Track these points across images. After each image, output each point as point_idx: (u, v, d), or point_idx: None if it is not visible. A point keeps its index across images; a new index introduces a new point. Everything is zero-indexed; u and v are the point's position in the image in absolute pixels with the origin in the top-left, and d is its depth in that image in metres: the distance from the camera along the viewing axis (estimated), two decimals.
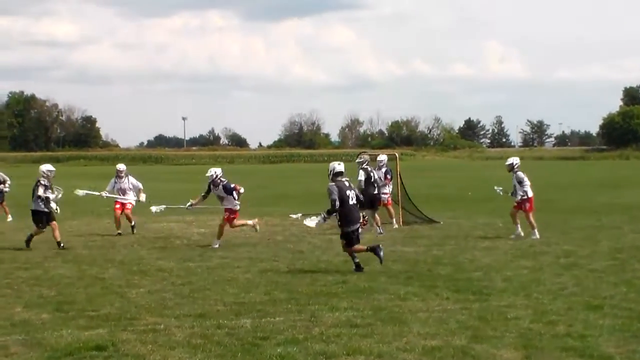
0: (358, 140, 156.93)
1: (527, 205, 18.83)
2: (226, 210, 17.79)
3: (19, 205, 28.94)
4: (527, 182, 18.91)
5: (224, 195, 17.76)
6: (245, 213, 26.13)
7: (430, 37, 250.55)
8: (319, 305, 10.71)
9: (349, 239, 13.96)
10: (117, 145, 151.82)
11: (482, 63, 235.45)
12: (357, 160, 21.26)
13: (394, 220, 21.82)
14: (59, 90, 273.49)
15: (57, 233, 17.52)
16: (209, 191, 17.95)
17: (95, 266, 14.86)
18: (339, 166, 14.26)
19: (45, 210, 17.53)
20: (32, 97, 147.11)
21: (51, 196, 17.57)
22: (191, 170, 74.82)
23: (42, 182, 17.60)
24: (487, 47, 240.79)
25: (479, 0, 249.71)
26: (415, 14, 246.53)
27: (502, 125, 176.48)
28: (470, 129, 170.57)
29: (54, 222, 17.62)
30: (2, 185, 25.49)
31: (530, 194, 18.91)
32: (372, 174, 20.81)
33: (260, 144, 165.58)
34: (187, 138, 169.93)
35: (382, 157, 22.47)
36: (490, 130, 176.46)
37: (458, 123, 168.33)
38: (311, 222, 14.52)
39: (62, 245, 17.31)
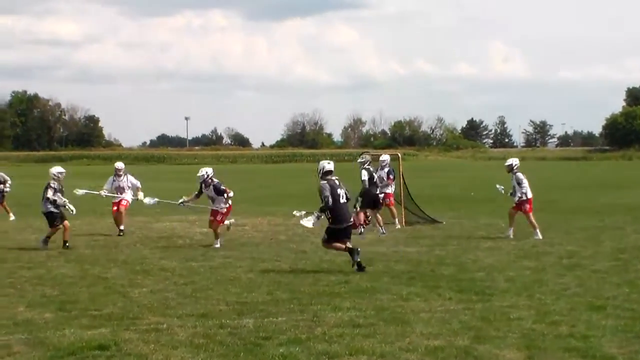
0: (361, 140, 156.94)
1: (527, 206, 18.82)
2: (213, 211, 17.83)
3: (21, 204, 28.97)
4: (525, 183, 18.90)
5: (214, 196, 17.81)
6: (249, 213, 26.19)
7: (434, 37, 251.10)
8: (322, 305, 10.71)
9: (333, 236, 14.06)
10: (120, 145, 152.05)
11: (485, 63, 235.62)
12: (358, 161, 21.27)
13: (397, 220, 21.82)
14: (62, 90, 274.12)
15: (67, 233, 17.56)
16: (201, 191, 18.00)
17: (98, 266, 14.87)
18: (328, 165, 14.32)
19: (57, 211, 17.56)
20: (35, 97, 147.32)
21: (59, 201, 17.60)
22: (194, 169, 74.58)
23: (52, 185, 17.63)
24: (490, 47, 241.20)
25: (483, 0, 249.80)
26: (418, 14, 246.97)
27: (505, 126, 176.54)
28: (473, 129, 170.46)
29: (66, 222, 17.65)
30: (2, 186, 25.42)
31: (530, 195, 18.90)
32: (374, 174, 20.84)
33: (262, 143, 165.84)
34: (189, 138, 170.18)
35: (385, 157, 22.46)
36: (493, 131, 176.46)
37: (461, 123, 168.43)
38: (308, 222, 14.56)
39: (67, 245, 17.29)
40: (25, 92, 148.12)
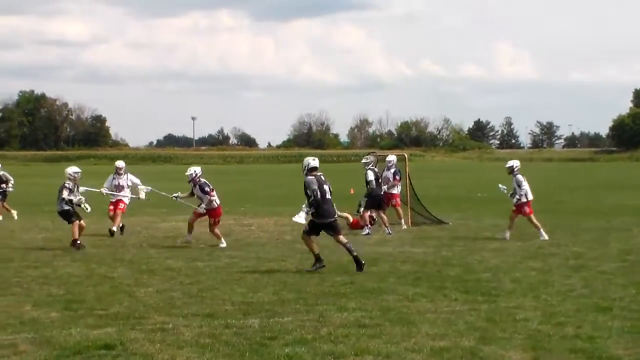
0: (367, 140, 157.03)
1: (526, 209, 18.80)
2: (207, 212, 17.83)
3: (28, 204, 29.08)
4: (525, 185, 18.87)
5: (201, 195, 17.83)
6: (255, 213, 26.24)
7: (440, 38, 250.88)
8: (327, 306, 10.71)
9: (314, 229, 14.19)
10: (126, 145, 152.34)
11: (493, 64, 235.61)
12: (363, 161, 21.26)
13: (403, 221, 21.81)
14: (69, 90, 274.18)
15: (80, 231, 17.56)
16: (192, 190, 18.06)
17: (104, 265, 14.89)
18: (313, 162, 14.42)
19: (71, 209, 17.58)
20: (43, 96, 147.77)
21: (74, 199, 17.64)
22: None
23: (67, 185, 17.64)
24: (497, 48, 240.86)
25: (490, 1, 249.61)
26: (426, 15, 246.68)
27: (512, 127, 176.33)
28: (480, 130, 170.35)
29: (82, 222, 17.66)
30: (5, 185, 25.38)
31: (530, 197, 18.87)
32: (379, 175, 20.89)
33: (269, 143, 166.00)
34: (196, 138, 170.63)
35: (392, 158, 22.48)
36: (500, 132, 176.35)
37: (467, 124, 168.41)
38: (299, 218, 14.59)
39: (78, 243, 17.21)
40: (32, 91, 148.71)
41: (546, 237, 18.32)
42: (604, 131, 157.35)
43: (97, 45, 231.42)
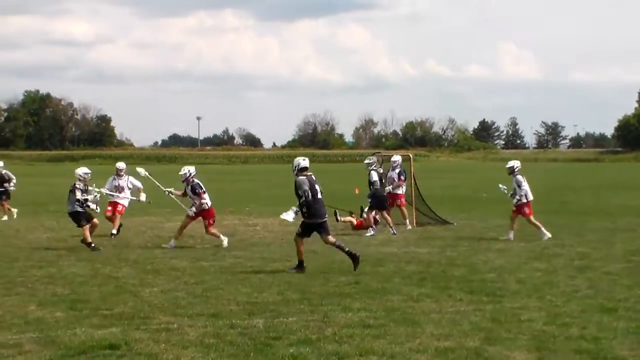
0: (372, 140, 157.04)
1: (526, 210, 18.78)
2: (199, 214, 17.83)
3: (33, 203, 29.13)
4: (525, 185, 18.85)
5: (192, 196, 17.80)
6: (260, 213, 26.24)
7: (445, 38, 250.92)
8: (332, 306, 10.70)
9: (306, 230, 14.20)
10: (131, 145, 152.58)
11: (497, 64, 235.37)
12: (365, 162, 21.24)
13: (408, 221, 21.80)
14: (75, 89, 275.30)
15: (93, 229, 17.60)
16: (186, 189, 18.05)
17: (109, 265, 14.90)
18: (303, 162, 14.46)
19: (82, 210, 17.59)
20: (48, 96, 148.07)
21: (90, 197, 17.69)
22: (205, 169, 74.82)
23: (78, 186, 17.65)
24: (502, 49, 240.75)
25: (495, 1, 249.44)
26: (430, 15, 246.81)
27: (517, 127, 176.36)
28: (485, 130, 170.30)
29: (95, 220, 17.69)
30: (7, 184, 25.40)
31: (530, 197, 18.85)
32: (383, 175, 20.90)
33: (274, 144, 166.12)
34: (201, 138, 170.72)
35: (397, 158, 22.46)
36: (505, 132, 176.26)
37: (472, 124, 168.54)
38: (287, 215, 14.65)
39: (92, 245, 17.17)
40: (37, 91, 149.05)
41: (549, 235, 18.33)
42: (609, 131, 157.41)
43: (102, 45, 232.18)
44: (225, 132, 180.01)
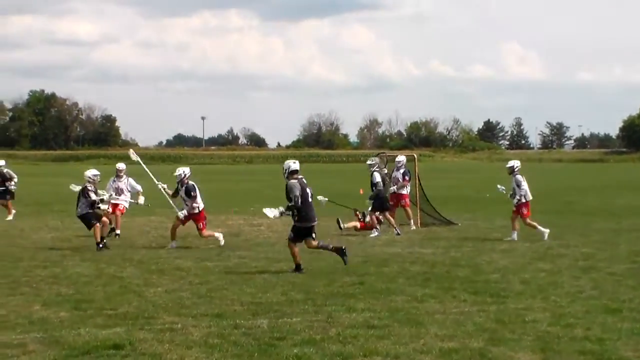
0: (377, 141, 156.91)
1: (524, 210, 18.74)
2: (190, 217, 17.73)
3: (38, 203, 29.15)
4: (524, 185, 18.82)
5: (185, 197, 17.70)
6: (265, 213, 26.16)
7: (450, 38, 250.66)
8: (336, 306, 10.71)
9: (299, 235, 14.14)
10: (136, 144, 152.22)
11: (502, 64, 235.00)
12: (368, 163, 21.20)
13: (412, 221, 21.78)
14: (79, 89, 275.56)
15: (105, 229, 17.63)
16: (177, 190, 17.96)
17: (113, 265, 14.92)
18: (294, 165, 14.42)
19: (91, 211, 17.57)
20: (53, 96, 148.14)
21: (105, 196, 17.76)
22: (210, 169, 75.00)
23: (90, 188, 17.66)
24: (506, 49, 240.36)
25: (499, 1, 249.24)
26: (435, 15, 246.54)
27: (522, 127, 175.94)
28: (489, 131, 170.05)
29: (105, 219, 17.70)
30: (9, 183, 25.39)
31: (529, 197, 18.82)
32: (387, 175, 20.89)
33: (278, 144, 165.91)
34: (206, 138, 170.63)
35: (401, 158, 22.44)
36: (509, 132, 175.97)
37: (477, 124, 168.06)
38: (270, 212, 14.65)
39: (102, 245, 17.12)
40: (42, 91, 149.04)
41: (547, 231, 18.34)
42: (614, 132, 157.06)
43: (107, 45, 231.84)
44: (230, 132, 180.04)
